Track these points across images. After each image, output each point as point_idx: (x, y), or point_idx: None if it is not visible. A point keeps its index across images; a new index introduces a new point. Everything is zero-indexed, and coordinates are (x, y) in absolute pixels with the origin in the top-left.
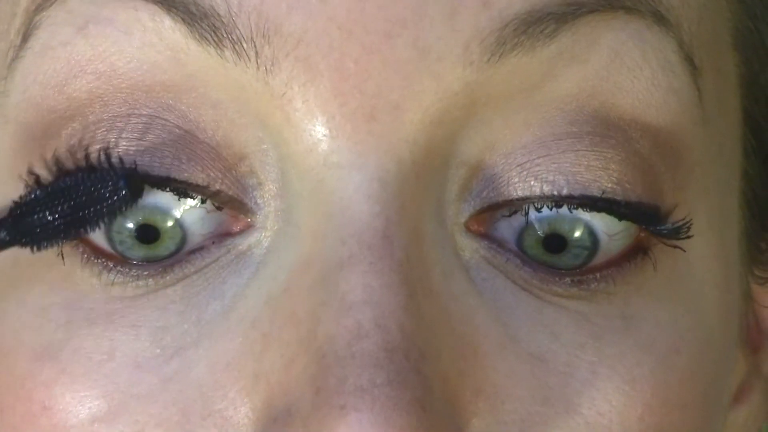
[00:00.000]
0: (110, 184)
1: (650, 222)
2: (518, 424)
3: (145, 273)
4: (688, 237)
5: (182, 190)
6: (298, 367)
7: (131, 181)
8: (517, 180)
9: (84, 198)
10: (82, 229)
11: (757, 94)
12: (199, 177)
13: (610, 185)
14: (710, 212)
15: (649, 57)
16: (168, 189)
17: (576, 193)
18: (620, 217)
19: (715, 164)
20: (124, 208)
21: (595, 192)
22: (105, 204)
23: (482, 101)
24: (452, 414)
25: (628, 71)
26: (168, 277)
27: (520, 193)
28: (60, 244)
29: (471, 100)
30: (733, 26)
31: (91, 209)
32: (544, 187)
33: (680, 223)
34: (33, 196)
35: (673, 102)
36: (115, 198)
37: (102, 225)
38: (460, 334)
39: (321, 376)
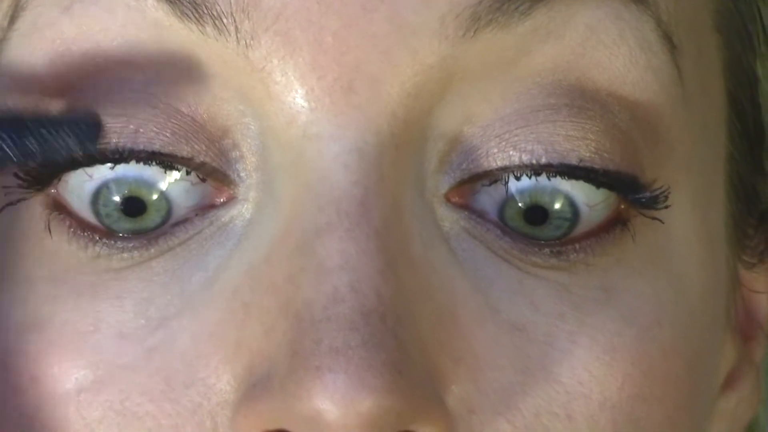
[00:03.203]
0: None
1: (628, 191)
2: (498, 392)
3: (130, 245)
4: (666, 207)
5: (168, 162)
6: (277, 334)
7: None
8: (496, 150)
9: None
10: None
11: (740, 77)
12: (183, 149)
13: (588, 154)
14: (693, 191)
15: (626, 35)
16: (154, 163)
17: (554, 161)
18: (598, 185)
19: (698, 144)
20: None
21: (573, 160)
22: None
23: (459, 75)
24: (431, 381)
25: (605, 48)
26: (153, 250)
27: (499, 163)
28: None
29: (447, 73)
30: (714, 8)
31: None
32: (522, 156)
33: (658, 192)
34: None
35: (650, 79)
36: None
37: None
38: (439, 303)
39: (297, 340)
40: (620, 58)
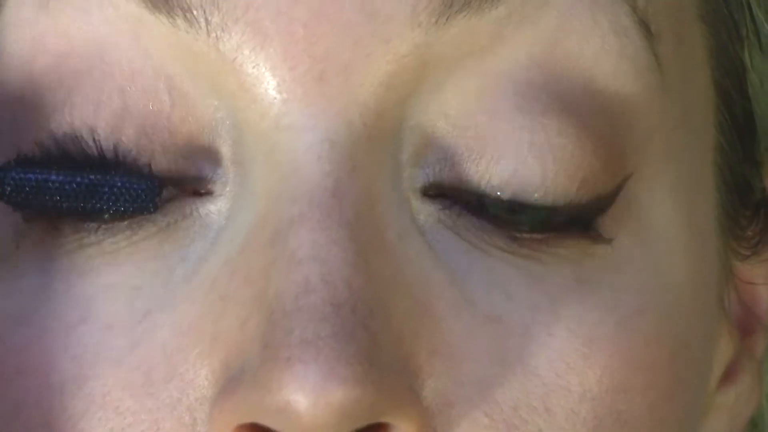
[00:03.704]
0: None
1: (579, 224)
2: (476, 385)
3: (116, 228)
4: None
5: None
6: (251, 326)
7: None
8: (467, 156)
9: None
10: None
11: (726, 67)
12: (161, 162)
13: (542, 189)
14: (675, 180)
15: (600, 20)
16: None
17: (506, 194)
18: (552, 216)
19: (680, 132)
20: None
21: (530, 197)
22: (125, 204)
23: (433, 64)
24: (404, 372)
25: (579, 34)
26: (141, 233)
27: (471, 175)
28: (46, 212)
29: (421, 62)
30: None
31: (107, 201)
32: (491, 171)
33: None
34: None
35: (626, 67)
36: (137, 204)
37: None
38: (414, 295)
39: (269, 332)
40: (594, 44)
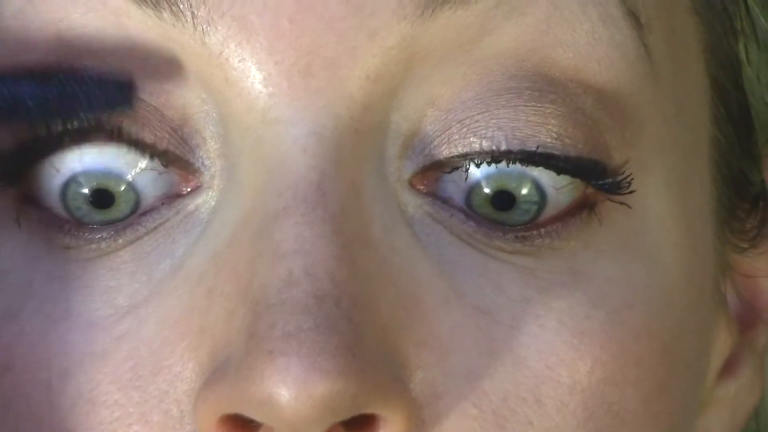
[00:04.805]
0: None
1: (591, 176)
2: (465, 376)
3: (98, 236)
4: (631, 192)
5: (132, 145)
6: (237, 319)
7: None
8: (457, 137)
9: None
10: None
11: (721, 60)
12: (147, 137)
13: (548, 140)
14: (668, 172)
15: (589, 10)
16: (115, 144)
17: (514, 148)
18: (558, 171)
19: (672, 124)
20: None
21: (532, 147)
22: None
23: (420, 56)
24: (390, 364)
25: (568, 24)
26: (120, 240)
27: (460, 150)
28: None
29: (408, 54)
30: None
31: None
32: (483, 143)
33: (621, 178)
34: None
35: (615, 56)
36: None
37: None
38: (401, 287)
39: (253, 324)
40: (583, 34)
